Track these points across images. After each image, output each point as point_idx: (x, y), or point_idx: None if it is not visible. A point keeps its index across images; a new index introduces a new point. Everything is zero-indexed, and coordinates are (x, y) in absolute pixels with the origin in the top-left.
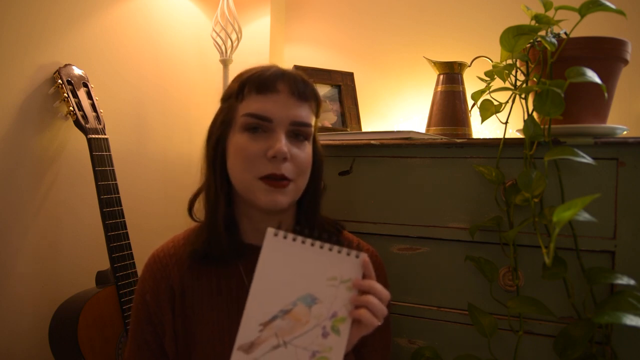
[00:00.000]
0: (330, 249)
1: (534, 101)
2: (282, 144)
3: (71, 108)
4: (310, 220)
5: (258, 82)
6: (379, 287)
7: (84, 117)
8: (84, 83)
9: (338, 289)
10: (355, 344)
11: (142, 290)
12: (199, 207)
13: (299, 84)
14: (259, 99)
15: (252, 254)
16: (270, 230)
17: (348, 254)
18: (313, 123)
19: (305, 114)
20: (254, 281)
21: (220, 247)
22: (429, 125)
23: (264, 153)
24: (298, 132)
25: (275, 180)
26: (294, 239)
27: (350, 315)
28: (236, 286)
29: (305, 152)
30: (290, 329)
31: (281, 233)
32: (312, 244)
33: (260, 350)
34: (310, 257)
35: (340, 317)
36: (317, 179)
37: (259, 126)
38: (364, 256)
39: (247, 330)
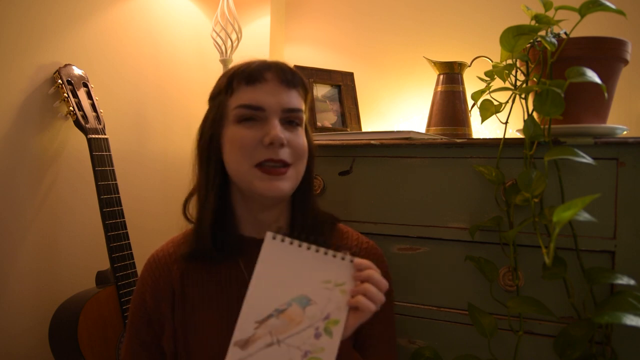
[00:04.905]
0: (326, 253)
1: (534, 101)
2: (278, 130)
3: (71, 108)
4: (305, 213)
5: (246, 74)
6: (376, 276)
7: (84, 117)
8: (84, 83)
9: (332, 292)
10: (362, 336)
11: (141, 289)
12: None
13: (286, 72)
14: (248, 90)
15: (251, 247)
16: (269, 234)
17: (342, 259)
18: (304, 109)
19: (295, 100)
20: (252, 280)
21: (205, 247)
22: (429, 125)
23: (260, 141)
24: (291, 119)
25: (275, 168)
26: (291, 242)
27: (348, 304)
28: (236, 283)
29: (300, 137)
30: (284, 328)
31: (279, 236)
32: (308, 248)
33: (255, 347)
34: (306, 260)
35: (333, 320)
36: (309, 169)
37: (252, 116)
38: (357, 260)
39: (243, 327)
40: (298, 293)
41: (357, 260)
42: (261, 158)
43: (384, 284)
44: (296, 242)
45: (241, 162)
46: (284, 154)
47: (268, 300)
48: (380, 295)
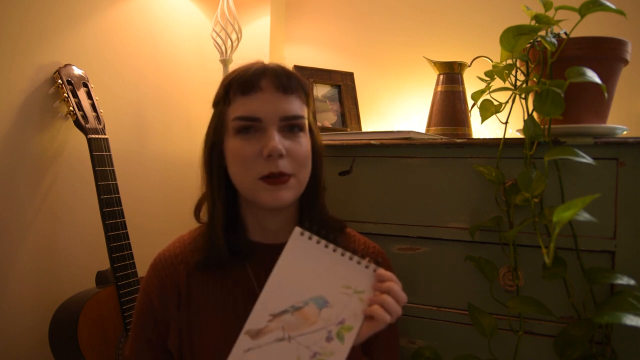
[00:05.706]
0: (350, 258)
1: (534, 101)
2: (275, 141)
3: (71, 108)
4: (313, 215)
5: (241, 84)
6: (397, 288)
7: (84, 117)
8: (84, 83)
9: (351, 298)
10: (366, 340)
11: (147, 289)
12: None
13: (282, 77)
14: (244, 100)
15: (258, 251)
16: (297, 229)
17: (366, 267)
18: (305, 114)
19: (294, 106)
20: (272, 273)
21: (219, 253)
22: (429, 125)
23: (259, 152)
24: (291, 126)
25: (275, 178)
26: (318, 242)
27: (364, 313)
28: (242, 285)
29: (302, 144)
30: (297, 326)
31: (307, 233)
32: (334, 250)
33: (265, 339)
34: (329, 261)
35: (347, 326)
36: (316, 171)
37: (250, 127)
38: (380, 270)
39: (257, 317)
40: (316, 293)
41: (380, 270)
42: (263, 172)
43: (403, 297)
44: (323, 241)
45: (244, 174)
46: (283, 165)
47: (285, 295)
48: (397, 308)
